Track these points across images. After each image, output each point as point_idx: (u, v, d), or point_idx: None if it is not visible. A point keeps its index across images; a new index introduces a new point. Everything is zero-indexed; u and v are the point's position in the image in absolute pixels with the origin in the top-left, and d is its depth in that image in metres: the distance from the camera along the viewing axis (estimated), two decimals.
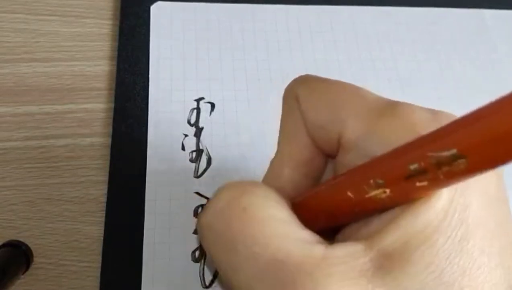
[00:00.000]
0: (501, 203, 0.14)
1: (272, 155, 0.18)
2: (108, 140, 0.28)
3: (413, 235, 0.13)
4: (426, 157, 0.12)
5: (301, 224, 0.15)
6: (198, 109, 0.29)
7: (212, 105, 0.30)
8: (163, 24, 0.32)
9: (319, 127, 0.16)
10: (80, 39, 0.32)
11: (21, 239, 0.25)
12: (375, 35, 0.34)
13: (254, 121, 0.29)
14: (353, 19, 0.34)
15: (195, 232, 0.26)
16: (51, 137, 0.28)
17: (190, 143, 0.28)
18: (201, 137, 0.29)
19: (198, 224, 0.17)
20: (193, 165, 0.28)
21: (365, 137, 0.15)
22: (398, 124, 0.14)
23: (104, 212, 0.26)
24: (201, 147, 0.28)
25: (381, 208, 0.14)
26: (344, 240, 0.15)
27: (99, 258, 0.25)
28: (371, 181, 0.13)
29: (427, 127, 0.13)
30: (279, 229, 0.14)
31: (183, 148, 0.28)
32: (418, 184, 0.12)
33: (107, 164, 0.27)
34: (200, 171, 0.28)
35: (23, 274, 0.24)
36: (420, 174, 0.12)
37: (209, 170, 0.28)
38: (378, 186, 0.13)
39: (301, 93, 0.17)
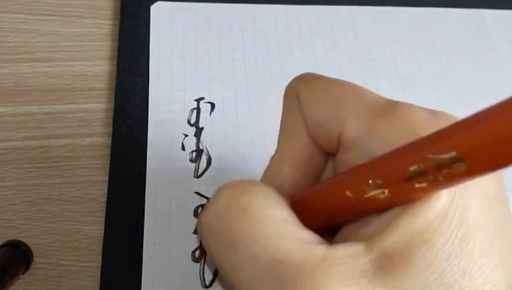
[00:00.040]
0: (501, 205, 0.14)
1: (272, 154, 0.18)
2: (108, 140, 0.28)
3: (414, 236, 0.13)
4: (425, 159, 0.12)
5: (301, 224, 0.15)
6: (198, 109, 0.29)
7: (212, 105, 0.30)
8: (163, 24, 0.32)
9: (320, 125, 0.16)
10: (80, 39, 0.32)
11: (21, 239, 0.25)
12: (375, 35, 0.34)
13: (254, 121, 0.29)
14: (353, 19, 0.34)
15: (195, 232, 0.26)
16: (51, 137, 0.28)
17: (190, 144, 0.28)
18: (201, 137, 0.29)
19: (198, 223, 0.17)
20: (193, 165, 0.28)
21: (365, 137, 0.15)
22: (398, 124, 0.14)
23: (104, 212, 0.26)
24: (201, 147, 0.28)
25: (380, 208, 0.14)
26: (344, 239, 0.15)
27: (99, 258, 0.25)
28: (370, 182, 0.13)
29: (427, 127, 0.13)
30: (279, 229, 0.14)
31: (183, 148, 0.28)
32: (417, 185, 0.12)
33: (107, 164, 0.27)
34: (200, 171, 0.28)
35: (23, 274, 0.24)
36: (419, 175, 0.12)
37: (209, 170, 0.28)
38: (377, 187, 0.13)
39: (302, 91, 0.17)
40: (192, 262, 0.25)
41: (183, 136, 0.29)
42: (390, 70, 0.32)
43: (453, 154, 0.11)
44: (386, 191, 0.13)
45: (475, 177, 0.12)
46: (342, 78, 0.16)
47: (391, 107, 0.15)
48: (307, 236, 0.14)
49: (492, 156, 0.11)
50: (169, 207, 0.26)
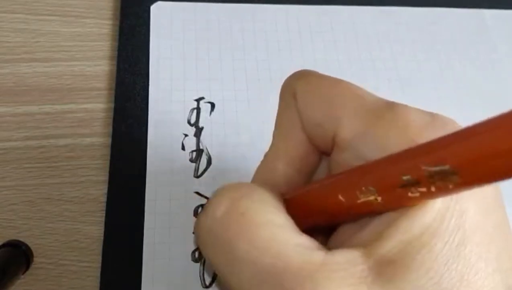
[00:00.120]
0: (498, 209, 0.14)
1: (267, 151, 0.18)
2: (108, 140, 0.28)
3: (412, 240, 0.13)
4: (419, 169, 0.12)
5: (298, 229, 0.15)
6: (198, 109, 0.29)
7: (212, 105, 0.30)
8: (163, 24, 0.32)
9: (315, 124, 0.16)
10: (80, 39, 0.32)
11: (21, 239, 0.25)
12: (375, 35, 0.34)
13: (254, 121, 0.29)
14: (353, 19, 0.34)
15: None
16: (51, 137, 0.28)
17: (190, 143, 0.28)
18: (201, 137, 0.29)
19: (196, 227, 0.17)
20: (193, 164, 0.28)
21: (360, 139, 0.15)
22: (394, 128, 0.14)
23: (104, 212, 0.26)
24: (201, 147, 0.28)
25: (374, 212, 0.14)
26: (340, 241, 0.15)
27: (99, 258, 0.25)
28: (363, 188, 0.13)
29: (424, 132, 0.13)
30: (278, 234, 0.14)
31: (183, 148, 0.28)
32: (410, 194, 0.12)
33: (107, 164, 0.27)
34: (200, 171, 0.28)
35: (23, 274, 0.24)
36: (412, 185, 0.12)
37: (209, 169, 0.28)
38: (370, 193, 0.13)
39: (298, 89, 0.17)
40: (192, 262, 0.25)
41: (183, 136, 0.29)
42: (390, 70, 0.32)
43: (446, 167, 0.11)
44: (379, 198, 0.13)
45: (469, 189, 0.12)
46: (342, 78, 0.16)
47: (387, 110, 0.15)
48: (306, 241, 0.14)
49: (486, 170, 0.11)
50: (169, 207, 0.26)
